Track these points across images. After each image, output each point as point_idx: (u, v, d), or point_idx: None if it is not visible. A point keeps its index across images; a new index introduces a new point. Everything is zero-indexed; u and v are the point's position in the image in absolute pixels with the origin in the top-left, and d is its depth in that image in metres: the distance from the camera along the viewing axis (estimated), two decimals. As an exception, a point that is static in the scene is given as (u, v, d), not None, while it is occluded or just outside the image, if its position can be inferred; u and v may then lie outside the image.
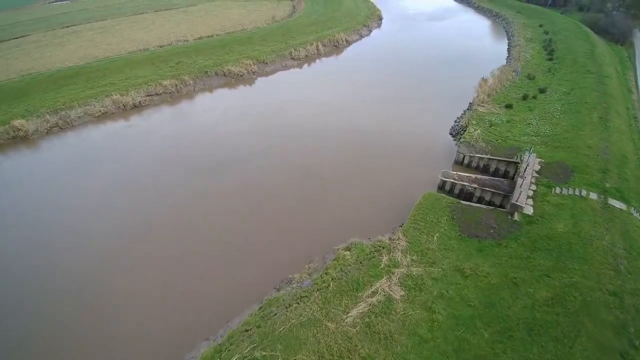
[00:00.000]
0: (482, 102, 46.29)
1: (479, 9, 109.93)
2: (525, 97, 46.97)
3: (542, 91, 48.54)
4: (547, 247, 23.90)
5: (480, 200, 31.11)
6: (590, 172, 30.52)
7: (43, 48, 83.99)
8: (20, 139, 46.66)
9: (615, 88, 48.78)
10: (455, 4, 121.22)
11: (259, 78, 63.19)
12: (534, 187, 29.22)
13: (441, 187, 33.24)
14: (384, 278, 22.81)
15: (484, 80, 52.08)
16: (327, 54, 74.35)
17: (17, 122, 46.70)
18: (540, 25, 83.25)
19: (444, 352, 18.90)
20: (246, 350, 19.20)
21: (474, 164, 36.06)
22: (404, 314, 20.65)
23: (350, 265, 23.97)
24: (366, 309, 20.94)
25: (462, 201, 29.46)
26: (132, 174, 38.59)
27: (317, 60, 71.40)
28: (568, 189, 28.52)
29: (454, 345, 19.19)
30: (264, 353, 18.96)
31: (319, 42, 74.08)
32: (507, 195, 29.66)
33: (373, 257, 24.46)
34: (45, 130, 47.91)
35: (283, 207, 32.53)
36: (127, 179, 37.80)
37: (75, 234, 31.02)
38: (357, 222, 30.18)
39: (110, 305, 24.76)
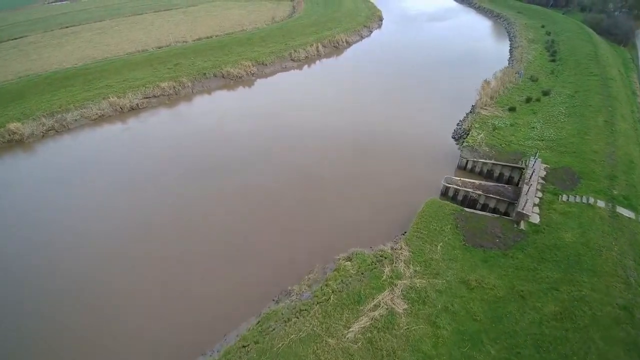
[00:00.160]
0: (485, 105, 45.55)
1: (480, 10, 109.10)
2: (528, 100, 46.21)
3: (545, 94, 47.79)
4: (554, 258, 23.16)
5: (484, 207, 30.36)
6: (597, 178, 29.78)
7: (41, 49, 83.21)
8: (16, 143, 45.91)
9: (620, 91, 48.02)
10: (455, 4, 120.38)
11: (258, 80, 62.43)
12: (539, 194, 28.48)
13: (444, 193, 32.50)
14: (387, 290, 22.06)
15: (487, 82, 51.39)
16: (327, 55, 73.57)
17: (12, 126, 45.95)
18: (542, 26, 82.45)
19: (449, 370, 18.19)
20: (243, 368, 18.50)
21: (477, 169, 35.32)
22: (408, 328, 19.90)
23: (351, 276, 23.22)
24: (368, 323, 20.19)
25: (466, 208, 28.70)
26: (129, 177, 37.88)
27: (317, 62, 70.63)
28: (575, 197, 27.77)
29: (459, 362, 18.48)
30: (261, 371, 18.27)
31: (319, 43, 73.30)
32: (512, 202, 28.92)
33: (375, 268, 23.71)
34: (41, 133, 47.14)
35: (282, 214, 31.81)
36: (124, 182, 37.07)
37: (75, 234, 30.84)
38: (358, 230, 29.49)
39: (109, 306, 24.45)
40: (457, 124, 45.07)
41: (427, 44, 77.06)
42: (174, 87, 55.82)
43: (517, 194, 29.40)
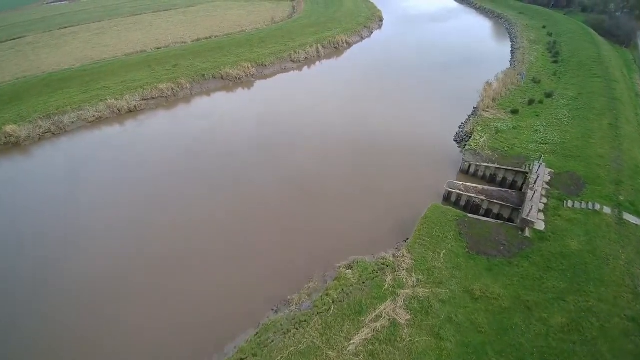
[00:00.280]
0: (487, 107, 44.97)
1: (481, 10, 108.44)
2: (531, 102, 45.66)
3: (548, 96, 47.23)
4: (560, 267, 22.59)
5: (487, 212, 29.78)
6: (602, 183, 29.19)
7: (39, 50, 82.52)
8: (12, 145, 45.25)
9: (624, 93, 47.47)
10: (456, 4, 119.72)
11: (257, 81, 61.78)
12: (544, 199, 27.91)
13: (446, 198, 31.92)
14: (389, 300, 21.49)
15: (489, 84, 50.78)
16: (328, 56, 72.91)
17: (8, 128, 45.28)
18: (544, 27, 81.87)
19: (454, 385, 17.63)
20: (241, 382, 17.93)
21: (480, 173, 34.73)
22: (410, 341, 19.32)
23: (352, 285, 22.64)
24: (370, 335, 19.62)
25: (469, 214, 28.10)
26: (126, 180, 37.28)
27: (317, 63, 69.96)
28: (581, 203, 27.19)
29: (464, 377, 17.91)
30: (260, 385, 17.69)
31: (319, 44, 72.62)
32: (516, 208, 28.35)
33: (376, 277, 23.14)
34: (38, 136, 46.50)
35: (281, 218, 31.21)
36: (121, 185, 36.51)
37: (71, 237, 30.56)
38: (359, 235, 28.89)
39: (102, 312, 23.74)
40: (459, 127, 44.49)
41: (427, 45, 76.41)
42: (173, 89, 55.18)
43: (521, 200, 28.83)
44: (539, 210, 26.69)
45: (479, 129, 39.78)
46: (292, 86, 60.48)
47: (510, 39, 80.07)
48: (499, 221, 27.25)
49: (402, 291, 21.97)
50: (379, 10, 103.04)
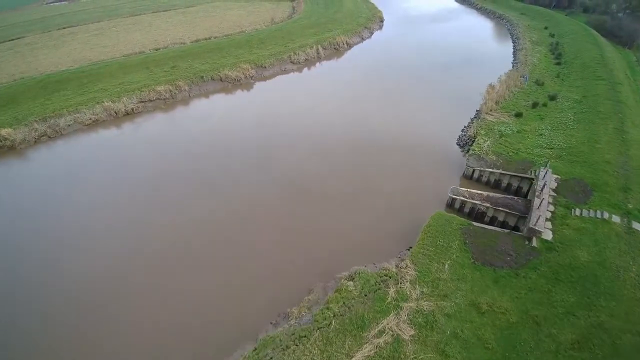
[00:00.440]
0: (491, 110, 44.24)
1: (482, 11, 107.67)
2: (535, 105, 44.93)
3: (552, 98, 46.50)
4: (570, 279, 21.85)
5: (492, 220, 29.04)
6: (610, 191, 28.43)
7: (37, 50, 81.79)
8: (8, 149, 44.50)
9: (629, 96, 46.70)
10: (457, 5, 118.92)
11: (257, 83, 61.02)
12: (551, 207, 27.14)
13: (450, 205, 31.19)
14: (392, 314, 20.73)
15: (492, 86, 50.01)
16: (328, 57, 72.12)
17: (4, 131, 44.55)
18: (546, 28, 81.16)
19: (461, 406, 16.88)
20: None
21: (484, 179, 33.98)
22: (415, 358, 18.58)
23: (354, 298, 21.89)
24: (372, 352, 18.87)
25: (474, 222, 27.32)
26: (123, 184, 36.69)
27: (317, 64, 69.16)
28: (589, 211, 26.43)
29: (471, 397, 17.17)
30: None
31: (319, 45, 71.84)
32: (522, 216, 27.60)
33: (379, 289, 22.39)
34: (34, 139, 45.77)
35: (280, 225, 30.53)
36: (117, 189, 35.89)
37: (67, 241, 30.34)
38: (360, 243, 28.19)
39: (96, 319, 23.02)
40: (462, 130, 43.75)
41: (429, 46, 75.64)
42: (171, 91, 54.41)
43: (527, 207, 28.10)
44: (546, 219, 25.93)
45: (483, 132, 39.05)
46: (291, 88, 59.72)
47: (512, 39, 79.32)
48: (505, 230, 26.48)
49: (405, 304, 21.22)
50: (379, 11, 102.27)
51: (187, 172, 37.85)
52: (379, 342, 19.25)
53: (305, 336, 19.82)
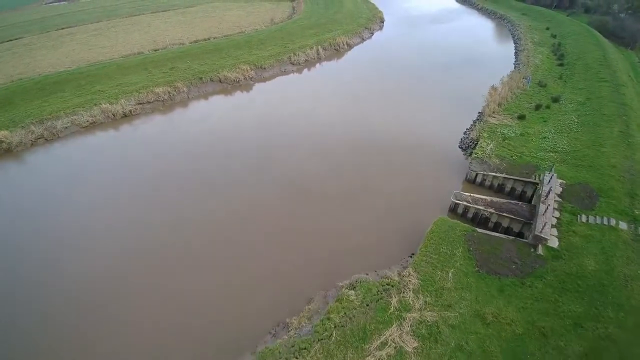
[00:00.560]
0: (493, 113, 43.65)
1: (483, 11, 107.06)
2: (538, 107, 44.34)
3: (555, 100, 45.93)
4: (577, 289, 21.27)
5: (496, 226, 28.46)
6: (617, 196, 27.85)
7: (35, 51, 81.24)
8: (4, 152, 43.91)
9: (633, 98, 46.09)
10: (457, 5, 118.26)
11: (256, 84, 60.42)
12: (557, 213, 26.55)
13: (453, 210, 30.60)
14: (394, 325, 20.17)
15: (494, 88, 49.36)
16: (328, 58, 71.49)
17: (0, 134, 43.98)
18: (547, 28, 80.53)
19: (466, 423, 16.32)
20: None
21: (487, 183, 33.40)
22: (418, 372, 18.02)
23: (355, 308, 21.31)
24: (375, 365, 18.30)
25: (477, 229, 26.73)
26: (119, 188, 36.19)
27: (317, 65, 68.54)
28: (595, 217, 25.85)
29: (477, 413, 16.61)
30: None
31: (319, 46, 71.21)
32: (527, 222, 27.02)
33: (381, 298, 21.82)
34: (30, 141, 45.17)
35: (279, 231, 29.94)
36: (113, 193, 35.42)
37: (63, 246, 30.02)
38: (361, 249, 27.67)
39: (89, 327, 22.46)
40: (464, 132, 43.16)
41: (430, 46, 75.03)
42: (169, 93, 53.82)
43: (532, 213, 27.53)
44: (552, 226, 25.35)
45: (485, 135, 38.46)
46: (291, 89, 59.07)
47: (514, 40, 78.69)
48: (509, 237, 25.88)
49: (408, 315, 20.65)
50: (379, 11, 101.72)
51: (187, 173, 37.53)
52: (381, 355, 18.69)
53: (305, 348, 19.25)
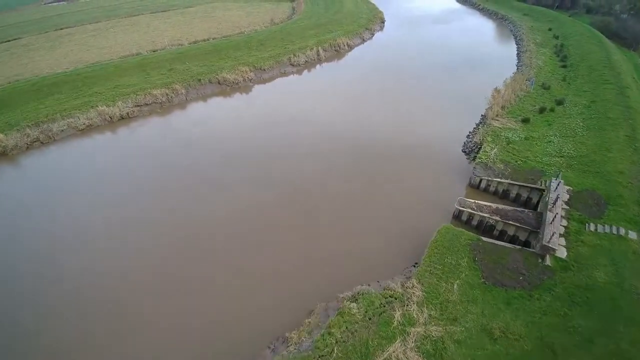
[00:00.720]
0: (497, 116, 42.89)
1: (484, 11, 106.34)
2: (542, 110, 43.59)
3: (559, 103, 45.20)
4: (586, 302, 20.54)
5: (502, 234, 27.71)
6: (625, 204, 27.10)
7: (33, 52, 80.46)
8: (-1, 155, 43.27)
9: (638, 100, 45.27)
10: (458, 5, 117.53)
11: (255, 86, 59.63)
12: (564, 222, 25.80)
13: (457, 217, 29.86)
14: (398, 340, 19.42)
15: (497, 90, 48.62)
16: (328, 59, 70.67)
17: (-5, 137, 43.32)
18: (550, 29, 79.77)
19: None
20: None
21: (491, 189, 32.67)
22: (423, 391, 17.29)
23: (357, 322, 20.57)
24: (378, 384, 17.58)
25: (482, 237, 25.97)
26: (116, 191, 35.57)
27: (318, 66, 67.75)
28: (604, 226, 25.11)
29: None
30: None
31: (319, 47, 70.42)
32: (534, 230, 26.27)
33: (384, 312, 21.08)
34: (26, 145, 44.39)
35: (278, 240, 29.17)
36: (110, 197, 34.77)
37: (59, 250, 29.68)
38: (363, 258, 26.99)
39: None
40: (467, 136, 42.45)
41: (431, 47, 74.29)
42: (167, 95, 53.04)
43: (538, 221, 26.79)
44: (560, 235, 24.60)
45: (489, 139, 37.72)
46: (291, 90, 58.29)
47: (516, 41, 78.02)
48: (516, 246, 25.15)
49: (412, 329, 19.90)
50: (380, 12, 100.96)
51: (185, 176, 36.98)
52: (384, 373, 17.96)
53: (305, 365, 18.53)
